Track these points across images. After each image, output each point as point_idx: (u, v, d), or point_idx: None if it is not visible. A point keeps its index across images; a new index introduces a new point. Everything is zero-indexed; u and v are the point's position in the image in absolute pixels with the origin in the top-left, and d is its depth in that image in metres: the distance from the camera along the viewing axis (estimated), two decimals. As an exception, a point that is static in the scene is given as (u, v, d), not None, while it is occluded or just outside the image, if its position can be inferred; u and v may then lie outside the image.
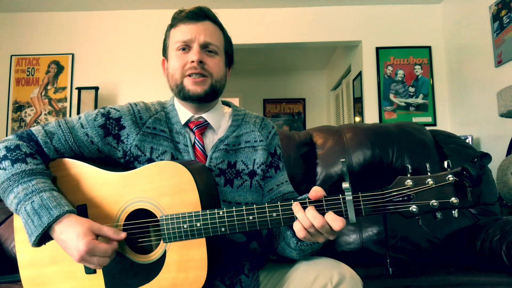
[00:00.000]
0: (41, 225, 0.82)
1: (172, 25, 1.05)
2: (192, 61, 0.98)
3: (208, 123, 1.05)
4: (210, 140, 1.05)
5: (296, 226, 0.81)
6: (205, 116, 1.05)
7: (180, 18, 1.02)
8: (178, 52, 1.01)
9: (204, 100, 1.02)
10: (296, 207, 0.81)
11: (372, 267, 1.44)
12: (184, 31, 1.00)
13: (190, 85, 0.99)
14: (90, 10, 3.85)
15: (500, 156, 2.55)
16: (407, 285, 1.25)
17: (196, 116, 1.05)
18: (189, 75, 0.99)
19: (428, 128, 1.86)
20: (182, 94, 1.01)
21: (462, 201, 0.76)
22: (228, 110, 1.13)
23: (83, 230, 0.81)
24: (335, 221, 0.77)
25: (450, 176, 0.76)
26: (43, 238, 0.84)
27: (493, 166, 1.87)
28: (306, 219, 0.79)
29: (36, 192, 0.84)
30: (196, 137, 1.03)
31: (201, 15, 1.01)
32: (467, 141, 2.95)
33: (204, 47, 1.00)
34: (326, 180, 1.70)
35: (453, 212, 0.77)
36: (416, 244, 1.56)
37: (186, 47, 1.00)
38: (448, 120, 3.71)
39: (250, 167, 1.04)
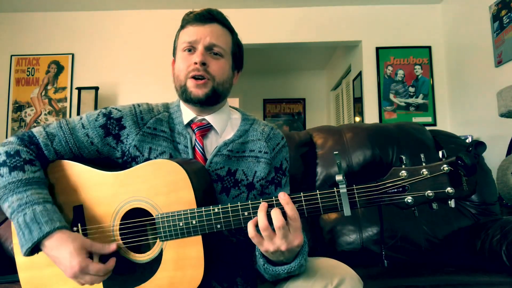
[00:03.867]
0: (31, 240, 0.81)
1: (181, 27, 1.04)
2: (195, 63, 0.97)
3: (211, 125, 1.03)
4: (212, 143, 1.03)
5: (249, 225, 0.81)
6: (208, 118, 1.03)
7: (188, 19, 1.02)
8: (184, 53, 1.00)
9: (205, 103, 1.00)
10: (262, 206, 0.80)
11: (372, 267, 1.44)
12: (190, 33, 1.00)
13: (192, 87, 0.98)
14: (90, 10, 3.85)
15: (500, 156, 2.55)
16: (407, 285, 1.25)
17: (199, 117, 1.04)
18: (192, 77, 0.98)
19: (428, 128, 1.86)
20: (185, 95, 1.00)
21: (457, 190, 0.74)
22: (236, 115, 1.11)
23: (75, 248, 0.81)
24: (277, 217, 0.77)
25: (444, 166, 0.75)
26: (34, 250, 0.84)
27: (493, 166, 1.87)
28: (260, 219, 0.79)
29: (30, 204, 0.84)
30: (197, 139, 1.01)
31: (209, 17, 1.00)
32: (467, 141, 2.95)
33: (209, 49, 0.99)
34: (326, 180, 1.70)
35: (449, 202, 0.76)
36: (416, 244, 1.56)
37: (191, 49, 0.99)
38: (448, 120, 3.71)
39: (250, 179, 1.00)
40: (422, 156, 0.78)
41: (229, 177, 0.99)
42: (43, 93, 3.82)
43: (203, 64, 0.97)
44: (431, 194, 0.75)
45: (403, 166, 0.78)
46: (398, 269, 1.43)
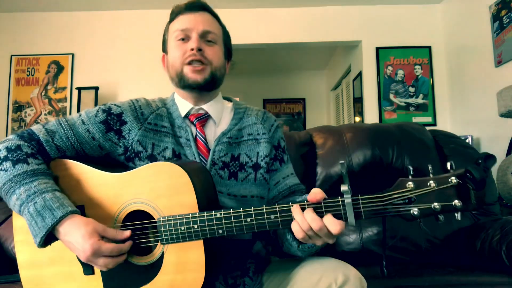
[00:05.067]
0: (44, 227, 0.81)
1: (170, 20, 1.06)
2: (192, 49, 0.98)
3: (209, 114, 1.05)
4: (212, 132, 1.05)
5: (294, 227, 0.80)
6: (206, 107, 1.05)
7: (178, 11, 1.04)
8: (178, 42, 1.01)
9: (204, 88, 1.02)
10: (295, 209, 0.79)
11: (372, 267, 1.44)
12: (182, 21, 1.02)
13: (190, 73, 0.99)
14: (90, 10, 3.85)
15: (500, 156, 2.55)
16: (407, 285, 1.25)
17: (196, 107, 1.05)
18: (189, 63, 0.99)
19: (428, 128, 1.86)
20: (182, 82, 1.01)
21: (465, 204, 0.73)
22: (229, 104, 1.13)
23: (88, 231, 0.81)
24: (333, 224, 0.76)
25: (453, 178, 0.73)
26: (48, 239, 0.83)
27: (493, 166, 1.87)
28: (304, 221, 0.78)
29: (39, 193, 0.83)
30: (198, 130, 1.03)
31: (199, 6, 1.03)
32: (467, 141, 2.95)
33: (203, 36, 1.01)
34: (326, 180, 1.70)
35: (456, 215, 0.74)
36: (416, 244, 1.56)
37: (185, 37, 1.01)
38: (448, 120, 3.71)
39: (254, 159, 1.03)
40: (429, 167, 0.76)
41: (234, 162, 1.01)
42: (43, 93, 3.82)
43: (200, 50, 0.99)
44: (437, 206, 0.74)
45: (410, 177, 0.76)
46: (398, 269, 1.43)
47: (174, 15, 1.05)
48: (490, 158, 0.73)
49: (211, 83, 1.02)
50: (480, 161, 0.72)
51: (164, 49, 1.09)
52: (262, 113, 1.12)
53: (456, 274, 1.32)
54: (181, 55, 1.00)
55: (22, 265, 0.93)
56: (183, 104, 1.06)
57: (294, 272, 0.91)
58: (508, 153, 2.45)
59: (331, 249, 1.59)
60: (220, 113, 1.08)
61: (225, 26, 1.11)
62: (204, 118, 1.05)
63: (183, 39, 1.01)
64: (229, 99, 1.16)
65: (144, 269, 0.87)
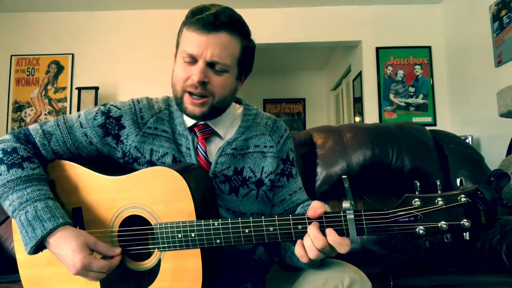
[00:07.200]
0: (34, 238, 0.80)
1: (185, 23, 0.91)
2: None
3: (213, 129, 0.98)
4: (216, 145, 0.98)
5: (299, 252, 0.78)
6: (211, 124, 0.97)
7: (194, 21, 0.88)
8: (184, 63, 0.90)
9: (202, 119, 0.95)
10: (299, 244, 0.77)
11: (372, 267, 1.44)
12: (193, 42, 0.88)
13: (188, 103, 0.91)
14: (90, 10, 3.85)
15: (500, 156, 2.55)
16: (407, 285, 1.25)
17: (202, 122, 0.98)
18: (189, 92, 0.90)
19: (428, 128, 1.86)
20: (180, 108, 0.94)
21: (474, 223, 0.69)
22: (239, 110, 1.05)
23: (78, 245, 0.80)
24: (341, 245, 0.74)
25: (462, 196, 0.69)
26: (39, 248, 0.83)
27: (493, 166, 1.87)
28: (307, 239, 0.76)
29: (31, 201, 0.82)
30: (199, 142, 0.97)
31: (217, 25, 0.87)
32: (467, 141, 2.95)
33: (211, 65, 0.88)
34: (326, 180, 1.70)
35: (464, 234, 0.71)
36: (416, 244, 1.56)
37: (192, 60, 0.89)
38: (448, 120, 3.71)
39: (258, 175, 0.97)
40: (438, 183, 0.73)
41: (237, 176, 0.96)
42: (43, 93, 3.82)
43: (203, 83, 0.88)
44: (445, 225, 0.70)
45: (417, 193, 0.72)
46: (398, 269, 1.43)
47: (189, 22, 0.90)
48: (503, 177, 0.68)
49: (209, 115, 0.93)
50: (492, 179, 0.68)
51: (177, 48, 0.96)
52: (272, 122, 1.03)
53: (456, 274, 1.32)
54: (183, 80, 0.89)
55: (22, 264, 0.92)
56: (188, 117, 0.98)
57: (299, 274, 0.90)
58: (508, 153, 2.44)
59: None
60: (227, 127, 1.00)
61: (247, 40, 0.97)
62: (208, 131, 0.98)
63: (190, 61, 0.89)
64: (240, 102, 1.08)
65: (141, 275, 0.86)
